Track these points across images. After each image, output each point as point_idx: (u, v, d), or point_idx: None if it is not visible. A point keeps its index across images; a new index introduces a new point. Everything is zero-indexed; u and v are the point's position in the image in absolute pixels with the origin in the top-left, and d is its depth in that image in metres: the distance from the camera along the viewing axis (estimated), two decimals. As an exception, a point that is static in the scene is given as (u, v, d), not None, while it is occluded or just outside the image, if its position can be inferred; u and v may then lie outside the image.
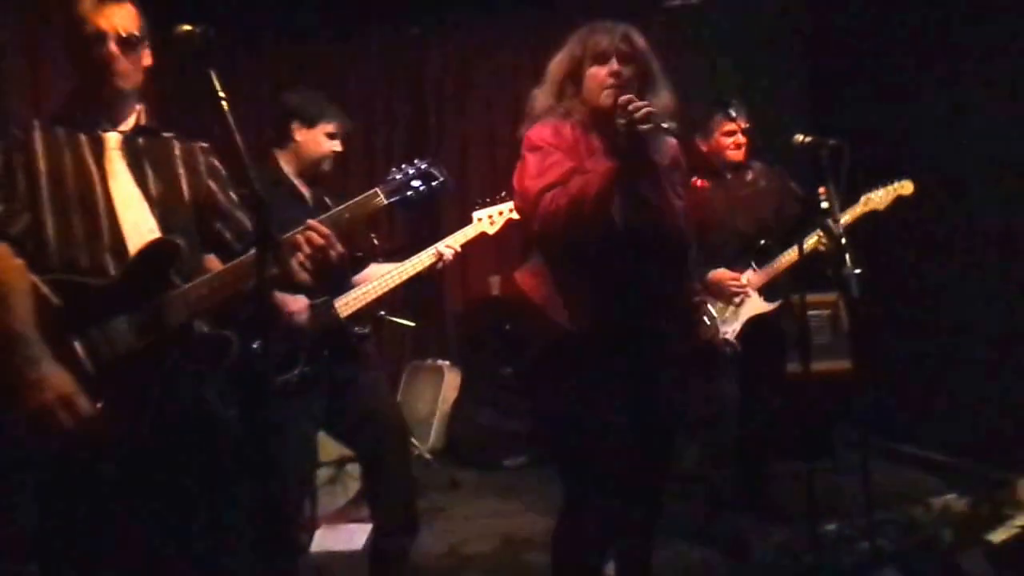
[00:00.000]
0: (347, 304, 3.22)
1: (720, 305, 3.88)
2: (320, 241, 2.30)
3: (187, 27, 1.96)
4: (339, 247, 2.33)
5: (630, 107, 2.40)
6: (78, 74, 2.33)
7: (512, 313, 2.71)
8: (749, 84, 3.92)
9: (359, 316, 3.28)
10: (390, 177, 2.66)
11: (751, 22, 5.52)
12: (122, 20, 2.28)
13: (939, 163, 4.60)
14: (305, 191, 3.29)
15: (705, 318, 3.81)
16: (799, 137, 3.15)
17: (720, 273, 3.86)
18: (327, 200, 3.28)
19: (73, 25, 2.26)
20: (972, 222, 4.57)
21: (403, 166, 2.68)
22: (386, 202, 2.59)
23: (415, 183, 2.67)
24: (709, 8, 5.62)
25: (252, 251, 2.15)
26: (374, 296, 3.28)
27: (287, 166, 3.29)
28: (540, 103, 2.64)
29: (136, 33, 2.30)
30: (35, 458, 2.18)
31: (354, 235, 3.23)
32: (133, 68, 2.31)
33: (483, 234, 3.46)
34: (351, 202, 2.51)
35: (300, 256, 2.28)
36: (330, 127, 3.29)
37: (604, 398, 2.55)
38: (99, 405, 2.12)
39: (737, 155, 3.91)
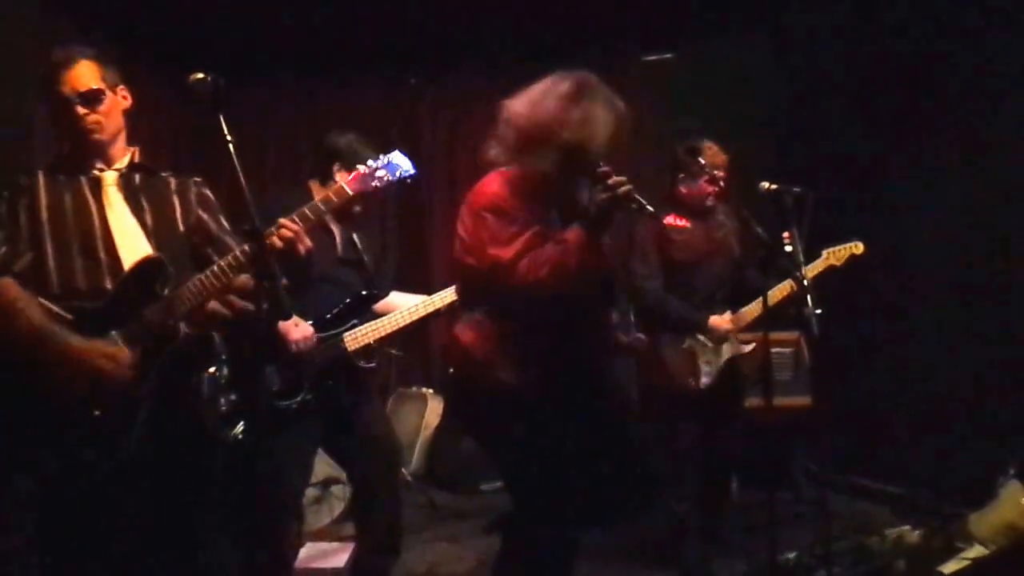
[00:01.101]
0: (355, 339, 3.25)
1: (708, 351, 3.81)
2: (289, 235, 2.42)
3: (199, 75, 2.09)
4: (307, 241, 2.46)
5: (610, 182, 2.36)
6: (63, 135, 2.48)
7: (454, 365, 2.73)
8: (719, 133, 4.04)
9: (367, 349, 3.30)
10: (353, 172, 2.74)
11: (722, 74, 5.61)
12: (80, 78, 2.39)
13: (898, 217, 4.78)
14: (334, 227, 3.34)
15: (703, 365, 3.78)
16: (765, 184, 3.25)
17: (718, 320, 3.80)
18: (355, 238, 3.37)
19: (49, 94, 2.41)
20: (925, 271, 4.72)
21: (368, 160, 2.76)
22: (351, 193, 2.65)
23: (380, 173, 2.74)
24: (683, 62, 5.92)
25: (225, 259, 2.35)
26: (392, 329, 3.32)
27: None
28: (526, 149, 2.54)
29: (95, 86, 2.40)
30: (35, 457, 2.26)
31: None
32: (104, 118, 2.43)
33: None
34: (320, 196, 2.61)
35: (273, 241, 2.38)
36: None
37: (561, 444, 2.54)
38: (97, 413, 2.24)
39: (715, 200, 3.87)
